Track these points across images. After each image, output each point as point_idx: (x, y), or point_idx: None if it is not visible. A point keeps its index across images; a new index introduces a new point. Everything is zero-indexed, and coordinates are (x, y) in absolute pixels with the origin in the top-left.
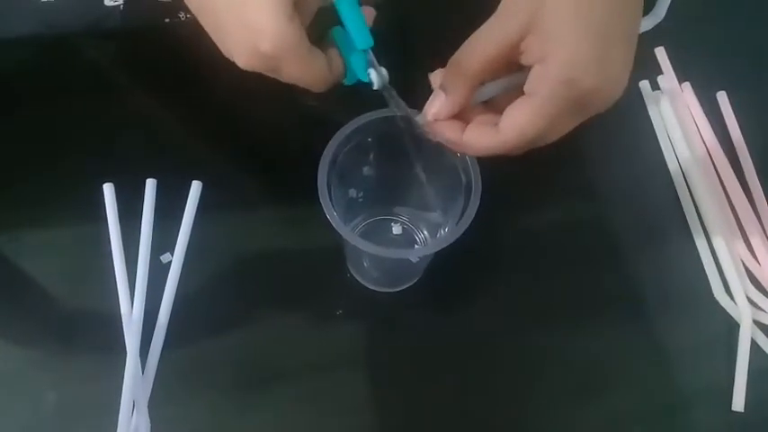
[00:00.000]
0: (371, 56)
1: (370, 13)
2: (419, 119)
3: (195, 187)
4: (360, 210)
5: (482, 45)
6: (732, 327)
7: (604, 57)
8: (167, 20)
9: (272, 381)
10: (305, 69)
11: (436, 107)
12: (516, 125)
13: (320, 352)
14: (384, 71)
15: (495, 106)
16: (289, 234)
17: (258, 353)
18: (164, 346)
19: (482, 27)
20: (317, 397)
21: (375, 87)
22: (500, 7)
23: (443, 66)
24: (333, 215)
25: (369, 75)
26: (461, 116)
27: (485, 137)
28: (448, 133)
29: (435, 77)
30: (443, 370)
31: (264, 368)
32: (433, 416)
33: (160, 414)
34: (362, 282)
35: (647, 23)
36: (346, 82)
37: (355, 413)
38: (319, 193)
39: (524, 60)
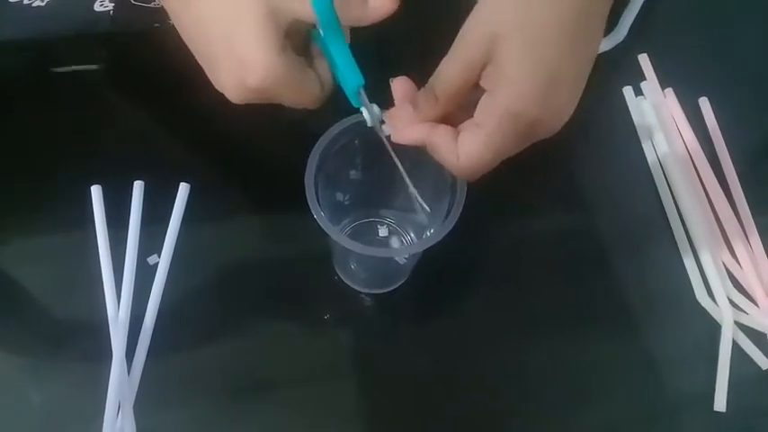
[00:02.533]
0: (363, 95)
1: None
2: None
3: (183, 189)
4: (346, 212)
5: (447, 74)
6: (714, 329)
7: (550, 92)
8: (157, 25)
9: (260, 387)
10: (297, 96)
11: (401, 119)
12: (469, 156)
13: (308, 357)
14: (376, 108)
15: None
16: (276, 238)
17: (245, 358)
18: (150, 353)
19: (449, 53)
20: (304, 403)
21: (369, 125)
22: (463, 32)
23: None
24: (320, 215)
25: (361, 111)
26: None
27: (447, 152)
28: (414, 135)
29: (398, 84)
30: (431, 375)
31: (252, 374)
32: (422, 421)
33: (146, 421)
34: (350, 284)
35: (608, 44)
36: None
37: (344, 420)
38: (306, 193)
39: (482, 84)
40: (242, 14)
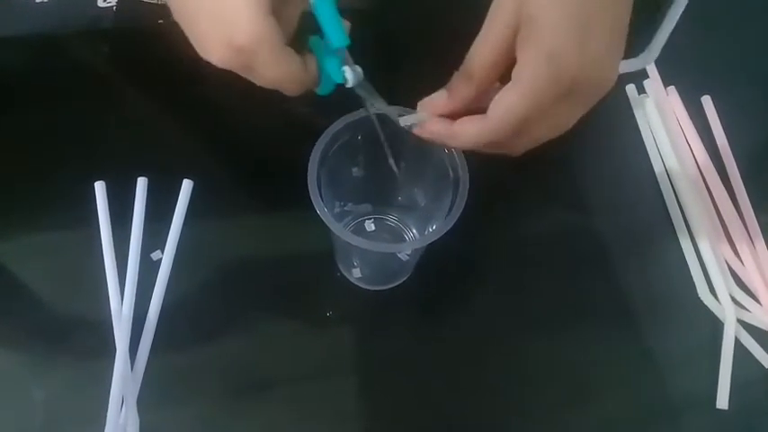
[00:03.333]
0: (347, 55)
1: (345, 24)
2: (406, 118)
3: (186, 185)
4: (349, 208)
5: (480, 51)
6: (717, 327)
7: (585, 41)
8: (161, 21)
9: (262, 383)
10: (279, 69)
11: (437, 106)
12: (503, 106)
13: (310, 354)
14: (359, 68)
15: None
16: (279, 234)
17: (248, 355)
18: (153, 350)
19: (480, 33)
20: (306, 400)
21: (349, 85)
22: (490, 9)
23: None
24: (323, 211)
25: (343, 73)
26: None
27: (474, 125)
28: (437, 126)
29: (424, 106)
30: (432, 373)
31: (254, 371)
32: (423, 419)
33: (149, 417)
34: (352, 280)
35: (638, 63)
36: (320, 92)
37: (346, 417)
38: (309, 189)
39: (518, 50)
40: None
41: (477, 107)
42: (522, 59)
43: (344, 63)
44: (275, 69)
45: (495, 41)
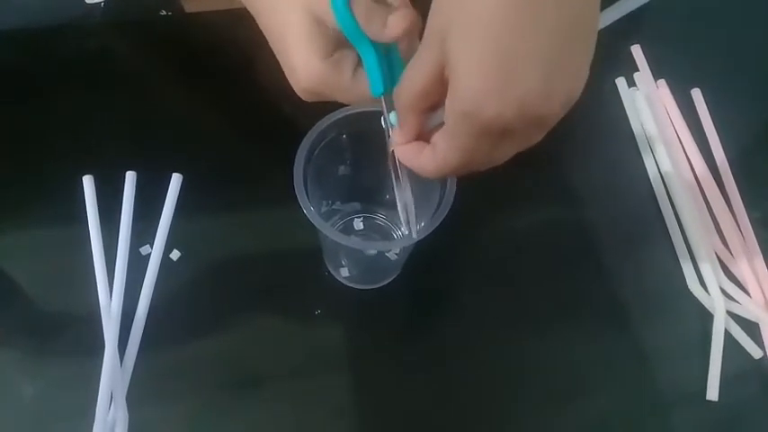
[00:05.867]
0: (382, 103)
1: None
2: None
3: (175, 179)
4: (337, 207)
5: (410, 79)
6: (707, 319)
7: (509, 82)
8: (161, 12)
9: (251, 381)
10: (350, 96)
11: (397, 137)
12: (440, 156)
13: (298, 352)
14: (392, 118)
15: None
16: (266, 233)
17: (236, 352)
18: (142, 347)
19: (411, 60)
20: (295, 397)
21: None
22: (423, 37)
23: None
24: (309, 209)
25: (381, 121)
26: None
27: (429, 162)
28: (406, 158)
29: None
30: (422, 371)
31: (243, 368)
32: (412, 417)
33: (137, 414)
34: (340, 279)
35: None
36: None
37: (334, 414)
38: (296, 187)
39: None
40: (290, 21)
41: None
42: (446, 110)
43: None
44: (349, 98)
45: (425, 73)
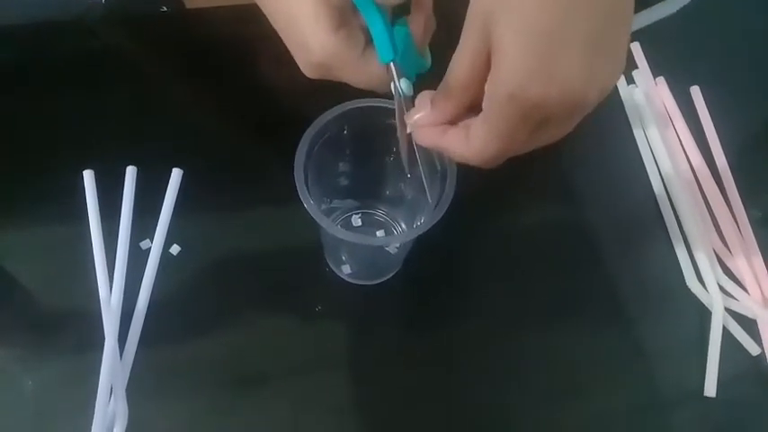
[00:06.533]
0: (392, 69)
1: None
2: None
3: (176, 174)
4: (337, 203)
5: (457, 63)
6: (705, 315)
7: (551, 64)
8: (162, 8)
9: (251, 377)
10: (359, 74)
11: (418, 117)
12: (477, 141)
13: (299, 348)
14: (404, 84)
15: None
16: (267, 228)
17: (236, 349)
18: (142, 342)
19: (456, 50)
20: (295, 393)
21: (395, 100)
22: (465, 22)
23: None
24: (310, 204)
25: (390, 87)
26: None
27: (459, 145)
28: (428, 138)
29: (422, 99)
30: (421, 367)
31: (243, 364)
32: (413, 413)
33: (137, 409)
34: (341, 275)
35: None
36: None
37: (335, 411)
38: (296, 183)
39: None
40: None
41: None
42: (487, 94)
43: (391, 78)
44: (357, 76)
45: (468, 58)
